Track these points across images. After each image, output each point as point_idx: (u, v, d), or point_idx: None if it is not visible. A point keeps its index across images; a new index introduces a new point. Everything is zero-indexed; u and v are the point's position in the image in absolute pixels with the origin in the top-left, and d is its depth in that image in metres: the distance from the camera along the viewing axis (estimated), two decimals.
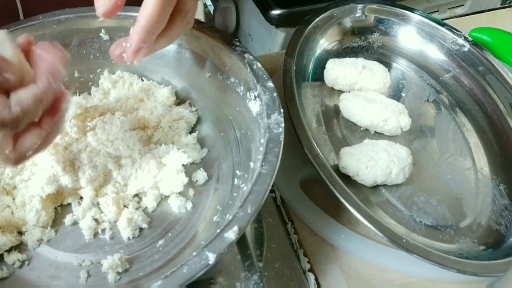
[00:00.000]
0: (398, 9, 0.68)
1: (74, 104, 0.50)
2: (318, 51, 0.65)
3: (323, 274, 0.46)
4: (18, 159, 0.33)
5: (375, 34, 0.69)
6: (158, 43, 0.39)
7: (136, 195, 0.46)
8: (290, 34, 0.60)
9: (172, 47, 0.52)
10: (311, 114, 0.57)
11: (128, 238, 0.43)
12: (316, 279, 0.45)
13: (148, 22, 0.35)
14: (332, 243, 0.48)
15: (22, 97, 0.31)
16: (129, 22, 0.52)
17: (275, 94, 0.43)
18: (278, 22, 0.96)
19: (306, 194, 0.50)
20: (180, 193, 0.46)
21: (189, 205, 0.45)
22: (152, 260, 0.41)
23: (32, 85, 0.32)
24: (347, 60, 0.62)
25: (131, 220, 0.43)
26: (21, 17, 0.60)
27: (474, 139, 0.60)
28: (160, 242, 0.43)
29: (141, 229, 0.44)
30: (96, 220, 0.44)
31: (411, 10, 0.68)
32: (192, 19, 0.40)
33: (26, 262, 0.41)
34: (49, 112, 0.34)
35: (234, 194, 0.43)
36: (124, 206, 0.45)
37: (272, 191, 0.51)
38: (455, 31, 0.66)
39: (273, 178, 0.36)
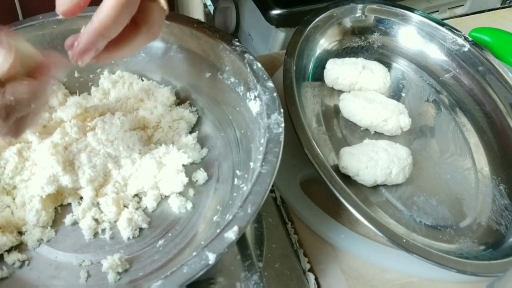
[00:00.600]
0: (398, 9, 0.68)
1: (74, 104, 0.50)
2: (318, 51, 0.65)
3: (323, 274, 0.46)
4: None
5: (375, 34, 0.69)
6: (120, 50, 0.38)
7: (136, 195, 0.46)
8: (290, 34, 0.60)
9: (172, 47, 0.52)
10: (311, 114, 0.57)
11: (128, 238, 0.43)
12: (316, 279, 0.45)
13: (100, 24, 0.34)
14: (332, 243, 0.48)
15: (19, 89, 0.32)
16: None
17: (275, 94, 0.43)
18: (278, 22, 0.96)
19: (306, 194, 0.50)
20: (180, 193, 0.46)
21: (189, 205, 0.45)
22: (152, 260, 0.41)
23: (31, 81, 0.33)
24: (347, 60, 0.62)
25: (131, 220, 0.43)
26: (20, 17, 0.60)
27: (474, 139, 0.60)
28: (160, 242, 0.43)
29: (141, 229, 0.44)
30: (96, 220, 0.44)
31: (411, 10, 0.68)
32: (158, 31, 0.39)
33: (26, 262, 0.41)
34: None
35: (234, 194, 0.43)
36: (124, 206, 0.45)
37: (272, 191, 0.51)
38: (455, 31, 0.66)
39: (273, 178, 0.36)
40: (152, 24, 0.38)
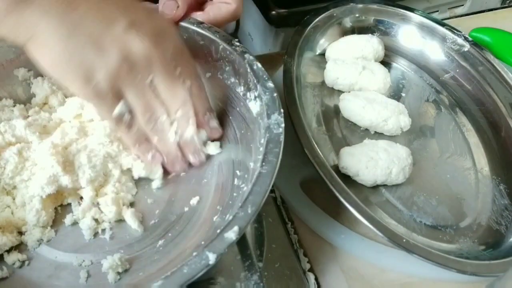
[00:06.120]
0: (398, 9, 0.68)
1: (74, 104, 0.50)
2: (318, 51, 0.65)
3: (323, 274, 0.46)
4: None
5: (375, 34, 0.69)
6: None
7: None
8: (290, 34, 0.60)
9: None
10: (311, 114, 0.57)
11: (128, 238, 0.43)
12: (316, 279, 0.45)
13: None
14: (332, 243, 0.48)
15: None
16: None
17: (275, 94, 0.43)
18: (278, 22, 0.96)
19: (306, 194, 0.50)
20: None
21: (189, 205, 0.45)
22: (152, 260, 0.41)
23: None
24: (347, 60, 0.62)
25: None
26: None
27: (474, 139, 0.60)
28: (160, 242, 0.42)
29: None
30: (96, 220, 0.43)
31: (411, 10, 0.68)
32: None
33: (26, 262, 0.41)
34: None
35: (234, 194, 0.43)
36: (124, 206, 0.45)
37: (272, 191, 0.51)
38: (455, 31, 0.66)
39: (273, 178, 0.36)
40: None
